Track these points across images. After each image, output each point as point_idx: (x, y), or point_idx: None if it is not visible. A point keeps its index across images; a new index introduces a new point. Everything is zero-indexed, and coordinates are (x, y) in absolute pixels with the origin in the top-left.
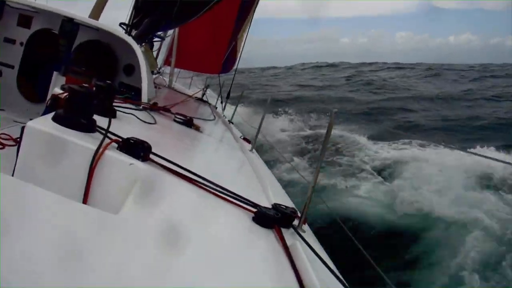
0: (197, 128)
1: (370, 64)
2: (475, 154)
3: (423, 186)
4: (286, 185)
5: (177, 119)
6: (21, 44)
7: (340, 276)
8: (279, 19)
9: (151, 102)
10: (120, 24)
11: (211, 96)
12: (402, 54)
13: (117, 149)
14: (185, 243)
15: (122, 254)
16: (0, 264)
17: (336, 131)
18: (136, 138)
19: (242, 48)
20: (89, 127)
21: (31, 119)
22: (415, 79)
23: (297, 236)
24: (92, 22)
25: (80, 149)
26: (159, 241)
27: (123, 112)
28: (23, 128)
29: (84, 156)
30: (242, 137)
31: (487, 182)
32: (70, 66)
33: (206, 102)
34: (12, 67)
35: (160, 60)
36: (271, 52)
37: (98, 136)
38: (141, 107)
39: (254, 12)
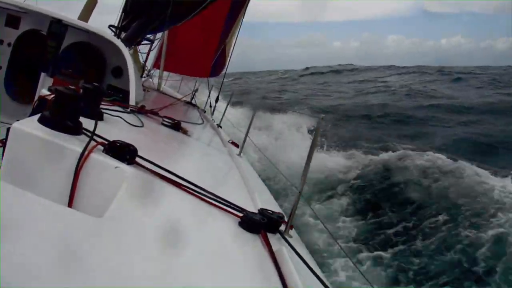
0: (185, 132)
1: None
2: None
3: None
4: (274, 191)
5: (164, 123)
6: (9, 44)
7: (326, 282)
8: (270, 23)
9: (139, 105)
10: (109, 26)
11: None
12: (397, 57)
13: (103, 152)
14: (170, 248)
15: (105, 258)
16: None
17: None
18: (122, 141)
19: (232, 52)
20: (75, 129)
21: (17, 120)
22: (439, 84)
23: (284, 241)
24: (81, 23)
25: (66, 151)
26: (143, 245)
27: (110, 114)
28: (8, 129)
29: (69, 159)
30: (230, 141)
31: None
32: (58, 67)
33: (195, 105)
34: None
35: (149, 63)
36: (262, 56)
37: (84, 139)
38: (128, 110)
39: (243, 15)
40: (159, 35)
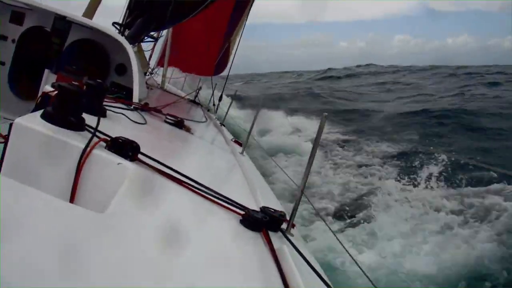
0: (188, 130)
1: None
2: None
3: None
4: (276, 189)
5: (168, 120)
6: (13, 41)
7: (328, 281)
8: (274, 24)
9: (142, 103)
10: (113, 23)
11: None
12: (399, 57)
13: (105, 148)
14: (171, 245)
15: (106, 253)
16: None
17: None
18: (124, 138)
19: (236, 51)
20: (77, 126)
21: (21, 116)
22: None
23: (285, 239)
24: (85, 20)
25: (68, 147)
26: (144, 242)
27: (113, 111)
28: (11, 124)
29: (72, 155)
30: (233, 140)
31: None
32: (62, 64)
33: (198, 104)
34: (3, 63)
35: (153, 61)
36: (264, 57)
37: (87, 135)
38: (132, 107)
39: (248, 15)
40: (163, 32)
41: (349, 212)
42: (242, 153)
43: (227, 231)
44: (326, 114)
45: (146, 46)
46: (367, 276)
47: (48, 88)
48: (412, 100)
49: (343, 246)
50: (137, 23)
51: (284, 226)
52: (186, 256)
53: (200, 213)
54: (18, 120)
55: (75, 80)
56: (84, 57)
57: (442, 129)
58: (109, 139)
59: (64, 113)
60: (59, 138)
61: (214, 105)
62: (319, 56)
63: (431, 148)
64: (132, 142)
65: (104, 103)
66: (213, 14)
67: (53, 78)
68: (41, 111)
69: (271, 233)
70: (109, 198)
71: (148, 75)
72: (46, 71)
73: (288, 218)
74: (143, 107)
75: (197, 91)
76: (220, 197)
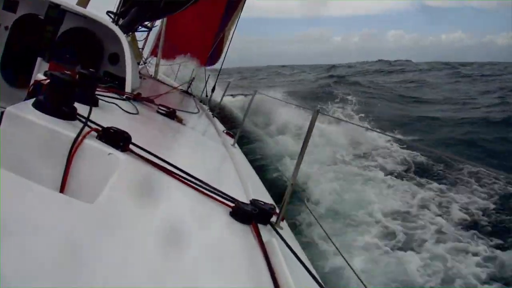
0: (180, 121)
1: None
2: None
3: None
4: (267, 182)
5: (160, 111)
6: (6, 28)
7: (315, 274)
8: (268, 18)
9: (135, 93)
10: (107, 12)
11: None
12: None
13: (96, 138)
14: (160, 236)
15: (97, 244)
16: None
17: None
18: (116, 128)
19: (230, 41)
20: (69, 115)
21: (12, 104)
22: None
23: (274, 233)
24: (79, 9)
25: (59, 136)
26: (134, 233)
27: (106, 101)
28: (2, 113)
29: (63, 144)
30: (225, 131)
31: None
32: (55, 52)
33: (191, 94)
34: None
35: (146, 51)
36: (264, 51)
37: (78, 124)
38: (124, 97)
39: (243, 6)
40: (157, 22)
41: None
42: (233, 145)
43: (216, 223)
44: (318, 108)
45: (140, 35)
46: (355, 273)
47: (40, 76)
48: None
49: (334, 243)
50: (132, 12)
51: (273, 219)
52: (175, 247)
53: (191, 204)
54: (9, 109)
55: (68, 69)
56: (77, 46)
57: None
58: (100, 129)
59: (56, 102)
60: (50, 127)
61: (207, 96)
62: (316, 51)
63: None
64: (124, 132)
65: (96, 93)
66: (208, 5)
67: (45, 66)
68: (32, 100)
69: (260, 226)
70: (100, 188)
71: (142, 64)
72: (39, 59)
73: (277, 211)
74: (136, 97)
75: (190, 82)
76: (210, 189)
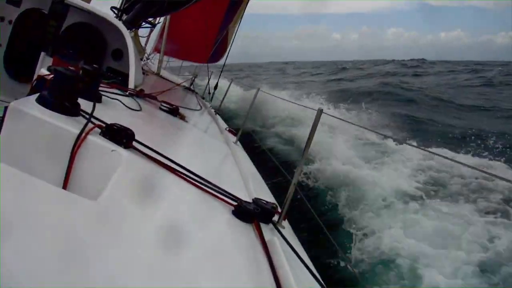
0: (182, 118)
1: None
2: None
3: None
4: (269, 180)
5: (162, 107)
6: (10, 22)
7: (316, 273)
8: (267, 14)
9: (137, 89)
10: (111, 8)
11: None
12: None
13: (100, 134)
14: (162, 234)
15: (99, 241)
16: None
17: None
18: (119, 125)
19: (233, 39)
20: (73, 111)
21: (16, 99)
22: None
23: (276, 232)
24: (83, 4)
25: (63, 132)
26: (136, 231)
27: (109, 97)
28: (6, 108)
29: (66, 140)
30: (227, 129)
31: None
32: (58, 47)
33: (193, 91)
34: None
35: (149, 47)
36: (262, 48)
37: (82, 120)
38: (127, 93)
39: (246, 4)
40: (160, 18)
41: None
42: (236, 142)
43: (219, 221)
44: (322, 108)
45: (143, 31)
46: (354, 272)
47: (43, 71)
48: None
49: (334, 243)
50: (136, 8)
51: (275, 218)
52: (178, 245)
53: (193, 202)
54: (13, 104)
55: (71, 65)
56: (81, 41)
57: None
58: (104, 125)
59: (60, 98)
60: (54, 123)
61: (209, 93)
62: (314, 48)
63: None
64: (127, 129)
65: (100, 89)
66: (211, 3)
67: (49, 61)
68: (36, 95)
69: (262, 225)
70: (102, 185)
71: (144, 60)
72: (42, 54)
73: (279, 210)
74: (138, 94)
75: (193, 78)
76: (213, 187)
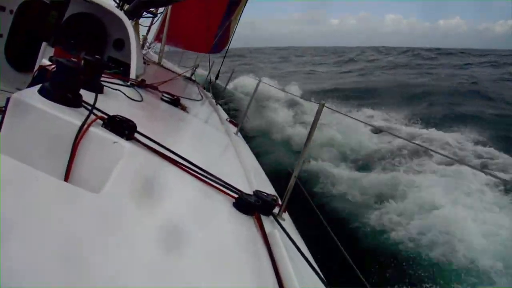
0: (184, 108)
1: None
2: None
3: None
4: (269, 171)
5: (164, 98)
6: (11, 12)
7: (315, 265)
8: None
9: (139, 79)
10: None
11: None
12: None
13: (102, 126)
14: (164, 225)
15: (100, 233)
16: None
17: None
18: (121, 116)
19: (235, 30)
20: (75, 102)
21: (17, 88)
22: None
23: (276, 224)
24: None
25: (65, 124)
26: (138, 223)
27: (110, 88)
28: (8, 99)
29: (68, 132)
30: (228, 120)
31: None
32: (60, 37)
33: (194, 81)
34: (1, 35)
35: (150, 37)
36: (257, 33)
37: (84, 112)
38: (128, 84)
39: None
40: (161, 8)
41: None
42: (236, 133)
43: (220, 213)
44: (324, 102)
45: (144, 21)
46: (354, 266)
47: (45, 61)
48: None
49: (334, 236)
50: None
51: (276, 210)
52: (179, 237)
53: (194, 194)
54: (15, 95)
55: (73, 55)
56: (83, 31)
57: None
58: (106, 117)
59: (62, 89)
60: (56, 115)
61: (210, 83)
62: (315, 33)
63: None
64: (129, 121)
65: (101, 79)
66: None
67: (50, 51)
68: (38, 86)
69: (263, 217)
70: (104, 177)
71: (146, 50)
72: (44, 44)
73: (280, 202)
74: (140, 84)
75: (194, 68)
76: (214, 179)
